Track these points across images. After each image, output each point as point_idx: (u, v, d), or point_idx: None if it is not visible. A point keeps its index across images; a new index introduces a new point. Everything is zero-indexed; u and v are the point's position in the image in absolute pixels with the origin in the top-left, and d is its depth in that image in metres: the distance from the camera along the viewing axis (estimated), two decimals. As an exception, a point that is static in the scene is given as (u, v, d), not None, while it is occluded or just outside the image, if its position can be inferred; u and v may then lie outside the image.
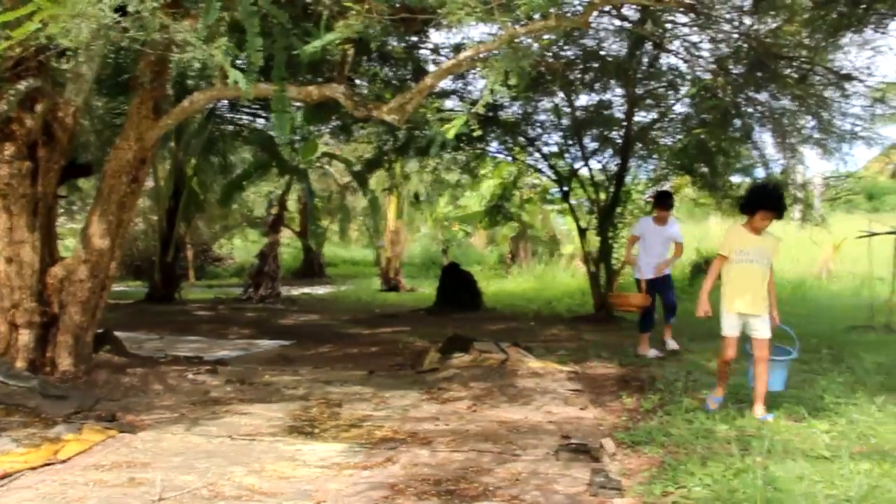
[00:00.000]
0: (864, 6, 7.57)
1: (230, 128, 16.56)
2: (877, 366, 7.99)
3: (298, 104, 12.15)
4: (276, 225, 18.73)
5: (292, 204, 23.91)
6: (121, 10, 5.05)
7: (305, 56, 6.09)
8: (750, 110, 11.66)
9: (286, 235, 24.76)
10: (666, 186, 14.28)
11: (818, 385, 6.85)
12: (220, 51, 5.34)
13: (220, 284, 23.25)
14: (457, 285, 16.03)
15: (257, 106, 14.76)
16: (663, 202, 9.51)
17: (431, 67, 10.78)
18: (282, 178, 18.46)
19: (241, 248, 28.62)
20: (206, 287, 22.20)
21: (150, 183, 16.46)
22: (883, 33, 8.49)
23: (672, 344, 9.22)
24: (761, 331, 6.10)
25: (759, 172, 13.55)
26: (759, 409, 5.97)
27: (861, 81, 10.34)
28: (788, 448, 4.97)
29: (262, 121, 16.24)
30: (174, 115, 7.33)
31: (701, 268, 19.76)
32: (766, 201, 6.11)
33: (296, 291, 20.84)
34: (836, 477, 4.36)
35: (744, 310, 6.08)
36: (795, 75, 10.07)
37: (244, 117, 16.36)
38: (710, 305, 6.20)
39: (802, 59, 9.83)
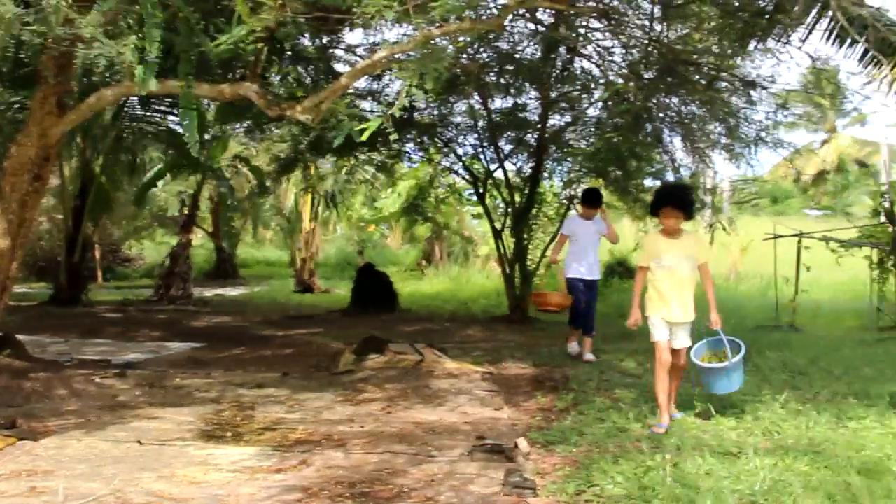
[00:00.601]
0: (768, 17, 7.81)
1: (141, 125, 16.12)
2: (781, 364, 8.30)
3: (210, 102, 11.93)
4: (188, 225, 18.34)
5: (205, 204, 23.46)
6: (23, 2, 4.86)
7: (217, 53, 5.97)
8: (661, 115, 11.92)
9: (198, 236, 24.28)
10: (582, 188, 14.47)
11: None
12: (129, 48, 5.19)
13: (130, 286, 22.63)
14: (372, 286, 15.95)
15: (169, 103, 14.42)
16: (591, 200, 9.24)
17: (346, 68, 10.71)
18: (194, 177, 18.10)
19: (152, 248, 27.94)
20: (115, 289, 21.60)
21: (55, 181, 15.91)
22: (786, 43, 8.79)
23: (589, 357, 8.85)
24: (681, 339, 5.99)
25: (670, 176, 13.88)
26: (674, 409, 6.06)
27: (764, 88, 10.72)
28: (697, 445, 5.09)
29: (173, 118, 15.86)
30: (80, 112, 7.09)
31: (614, 269, 20.18)
32: (667, 199, 6.04)
33: (208, 293, 20.43)
34: (742, 472, 4.49)
35: (666, 318, 5.94)
36: (704, 81, 10.35)
37: (155, 115, 15.97)
38: (640, 315, 6.06)
39: (710, 66, 10.11)
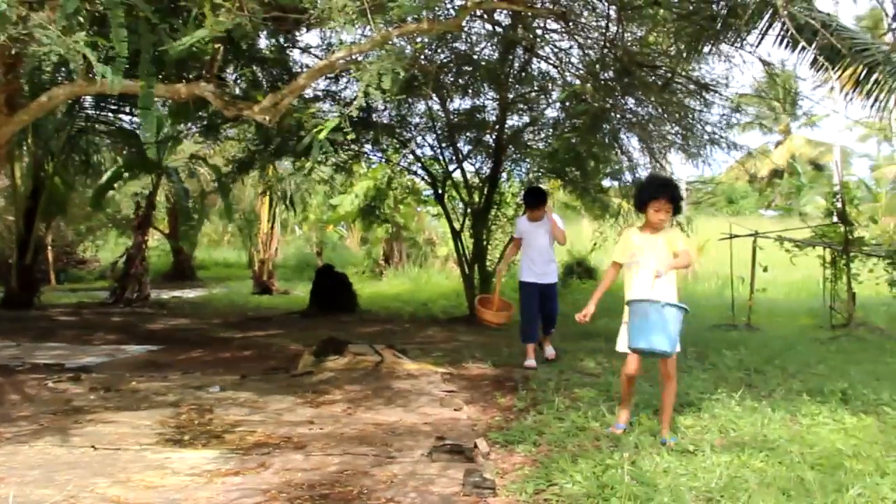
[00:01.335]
0: (721, 22, 7.92)
1: (94, 125, 15.89)
2: (737, 362, 8.42)
3: (165, 102, 11.79)
4: (144, 226, 18.09)
5: (161, 204, 23.16)
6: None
7: (175, 54, 5.91)
8: (618, 116, 12.03)
9: (154, 237, 23.97)
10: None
11: (683, 382, 7.12)
12: (85, 45, 5.11)
13: (85, 288, 22.27)
14: (331, 287, 15.89)
15: (124, 103, 14.23)
16: (534, 200, 8.91)
17: (304, 69, 10.66)
18: (150, 176, 17.88)
19: (108, 250, 27.52)
20: (70, 291, 21.22)
21: (5, 181, 15.65)
22: (738, 48, 8.91)
23: (550, 352, 8.96)
24: None
25: (627, 176, 14.03)
26: (665, 432, 5.41)
27: (717, 92, 10.88)
28: (655, 443, 5.15)
29: (127, 118, 15.67)
30: (31, 111, 6.96)
31: (573, 269, 20.31)
32: (661, 190, 5.49)
33: (165, 295, 20.18)
34: (698, 469, 4.56)
35: None
36: (659, 83, 10.46)
37: (109, 114, 15.75)
38: (593, 310, 5.65)
39: (665, 68, 10.23)
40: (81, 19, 5.40)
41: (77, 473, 4.59)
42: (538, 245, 8.88)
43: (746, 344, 9.81)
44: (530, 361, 8.56)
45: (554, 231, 8.86)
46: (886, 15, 7.70)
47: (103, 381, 7.60)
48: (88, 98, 13.74)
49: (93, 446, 5.22)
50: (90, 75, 6.09)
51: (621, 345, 5.59)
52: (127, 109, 15.01)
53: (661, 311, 5.09)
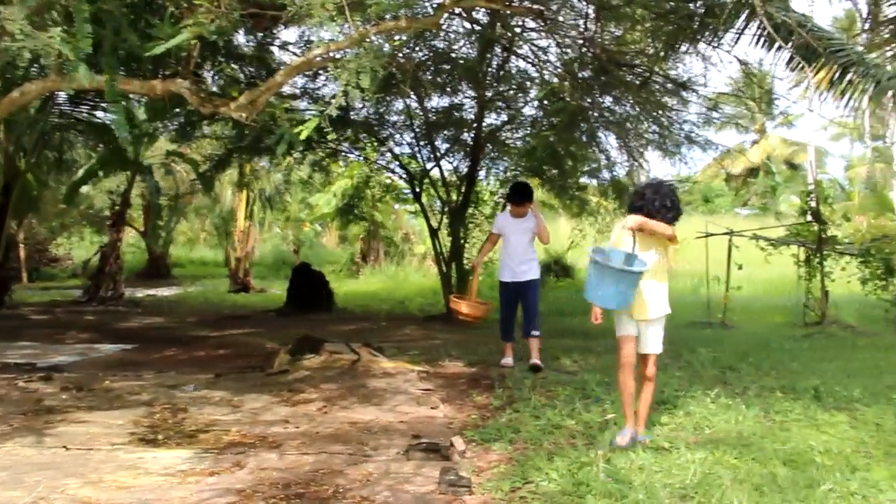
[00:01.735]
0: (698, 21, 7.96)
1: (69, 121, 15.71)
2: (712, 360, 8.47)
3: (141, 98, 11.71)
4: (118, 223, 17.93)
5: (137, 202, 22.97)
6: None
7: (152, 53, 5.85)
8: (595, 114, 12.06)
9: (130, 234, 23.77)
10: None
11: (658, 380, 7.12)
12: (56, 40, 5.05)
13: (58, 286, 22.06)
14: (308, 286, 15.85)
15: (99, 99, 14.08)
16: (521, 196, 8.48)
17: (281, 65, 10.61)
18: (124, 173, 17.73)
19: (81, 247, 27.26)
20: (42, 289, 21.00)
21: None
22: (715, 47, 8.96)
23: (535, 362, 8.10)
24: (651, 343, 5.49)
25: (605, 175, 14.09)
26: (639, 430, 5.34)
27: (694, 91, 10.94)
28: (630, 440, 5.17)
29: (101, 114, 15.50)
30: (2, 107, 6.87)
31: (550, 267, 20.35)
32: (671, 213, 5.36)
33: (140, 293, 20.03)
34: (673, 466, 4.59)
35: (632, 315, 5.43)
36: (637, 82, 10.50)
37: (84, 110, 15.58)
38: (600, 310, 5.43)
39: (643, 67, 10.27)
40: (56, 14, 5.34)
41: (47, 474, 4.54)
42: (517, 242, 8.49)
43: (721, 341, 9.89)
44: (507, 360, 8.45)
45: (539, 229, 8.50)
46: (861, 16, 7.77)
47: (75, 381, 7.51)
48: (62, 94, 13.59)
49: (64, 447, 5.16)
50: (63, 71, 6.03)
51: (620, 330, 5.52)
52: (102, 105, 14.85)
53: (607, 270, 5.21)
